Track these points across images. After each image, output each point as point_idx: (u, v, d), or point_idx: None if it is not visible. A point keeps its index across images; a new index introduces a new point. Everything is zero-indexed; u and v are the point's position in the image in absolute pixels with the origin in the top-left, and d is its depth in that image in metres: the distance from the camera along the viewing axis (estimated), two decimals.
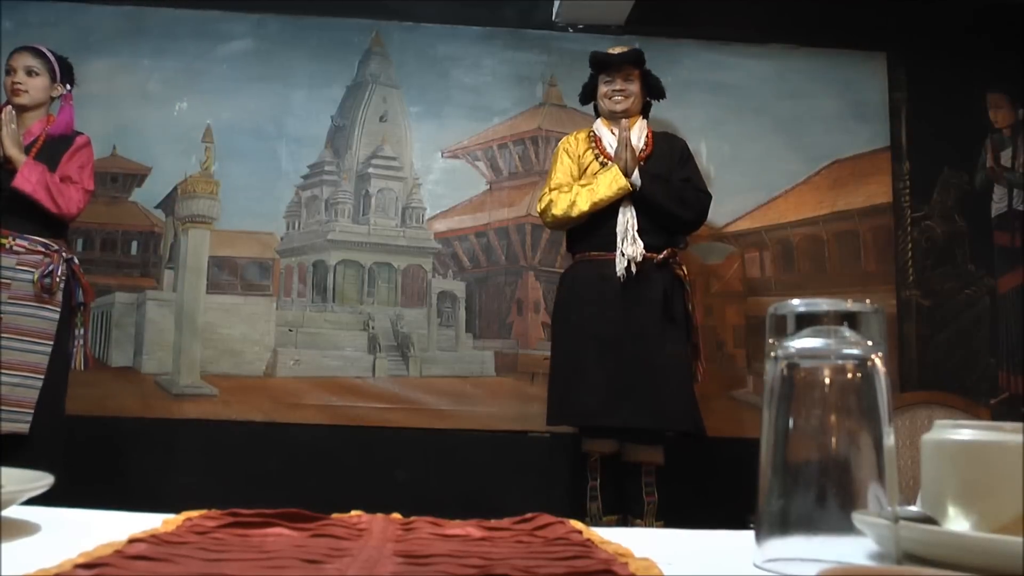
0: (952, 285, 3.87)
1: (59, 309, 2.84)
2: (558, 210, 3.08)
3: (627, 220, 3.00)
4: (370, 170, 3.80)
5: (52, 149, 2.94)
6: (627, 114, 3.16)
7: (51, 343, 2.81)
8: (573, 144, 3.23)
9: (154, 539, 0.60)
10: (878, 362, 0.62)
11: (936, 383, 3.57)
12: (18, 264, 2.81)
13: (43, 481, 0.71)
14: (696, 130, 3.75)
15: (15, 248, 2.82)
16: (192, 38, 3.76)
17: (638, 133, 3.16)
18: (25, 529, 0.69)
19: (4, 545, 0.62)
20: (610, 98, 3.19)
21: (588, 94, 3.31)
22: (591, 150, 3.19)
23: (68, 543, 0.60)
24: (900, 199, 3.91)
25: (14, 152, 2.81)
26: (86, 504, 0.78)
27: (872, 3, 3.88)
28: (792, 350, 0.63)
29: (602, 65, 3.21)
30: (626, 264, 2.96)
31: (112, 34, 3.73)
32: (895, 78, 3.96)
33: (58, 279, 2.84)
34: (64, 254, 2.90)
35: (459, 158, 3.83)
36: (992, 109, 4.00)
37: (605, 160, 3.12)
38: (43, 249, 2.86)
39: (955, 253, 3.90)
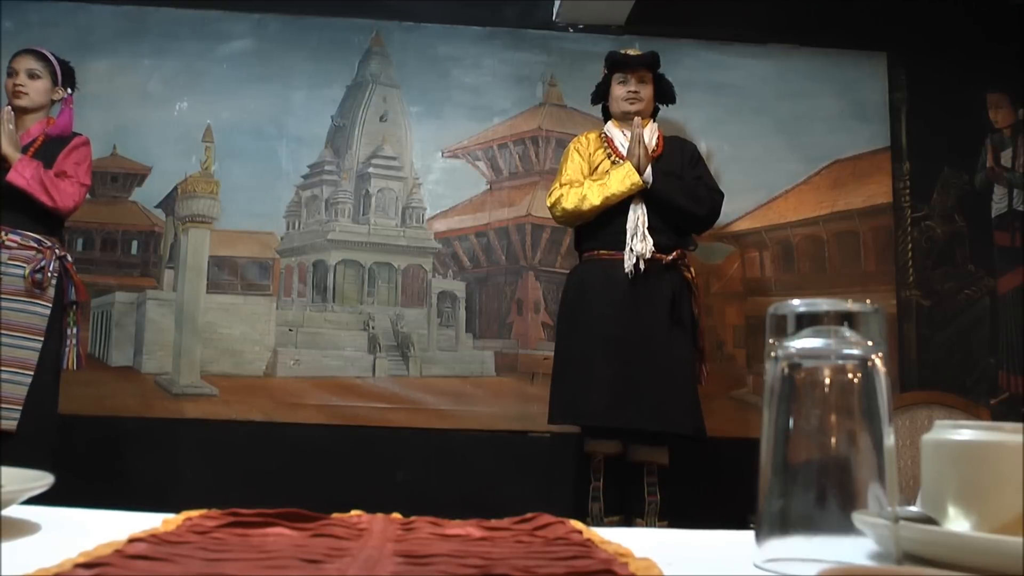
0: (952, 285, 3.87)
1: (50, 305, 2.83)
2: (569, 204, 3.07)
3: (638, 217, 3.00)
4: (370, 170, 3.80)
5: (50, 149, 2.93)
6: (640, 115, 3.16)
7: (41, 339, 2.79)
8: (584, 143, 3.24)
9: (154, 539, 0.60)
10: (878, 362, 0.62)
11: (936, 383, 3.57)
12: (9, 259, 2.80)
13: (43, 481, 0.71)
14: (696, 130, 3.76)
15: (7, 243, 2.81)
16: (192, 38, 3.76)
17: (650, 134, 3.16)
18: (25, 529, 0.69)
19: (4, 545, 0.62)
20: (624, 99, 3.20)
21: (600, 94, 3.31)
22: (603, 150, 3.19)
23: (68, 543, 0.60)
24: (900, 199, 3.91)
25: (10, 151, 2.81)
26: (86, 504, 0.78)
27: (872, 3, 3.88)
28: (792, 350, 0.63)
29: (618, 65, 3.22)
30: (634, 261, 2.95)
31: (112, 34, 3.72)
32: (895, 78, 3.96)
33: (49, 275, 2.83)
34: (57, 251, 2.89)
35: (459, 158, 3.83)
36: (992, 109, 4.00)
37: (617, 159, 3.13)
38: (35, 245, 2.85)
39: (955, 253, 3.89)
